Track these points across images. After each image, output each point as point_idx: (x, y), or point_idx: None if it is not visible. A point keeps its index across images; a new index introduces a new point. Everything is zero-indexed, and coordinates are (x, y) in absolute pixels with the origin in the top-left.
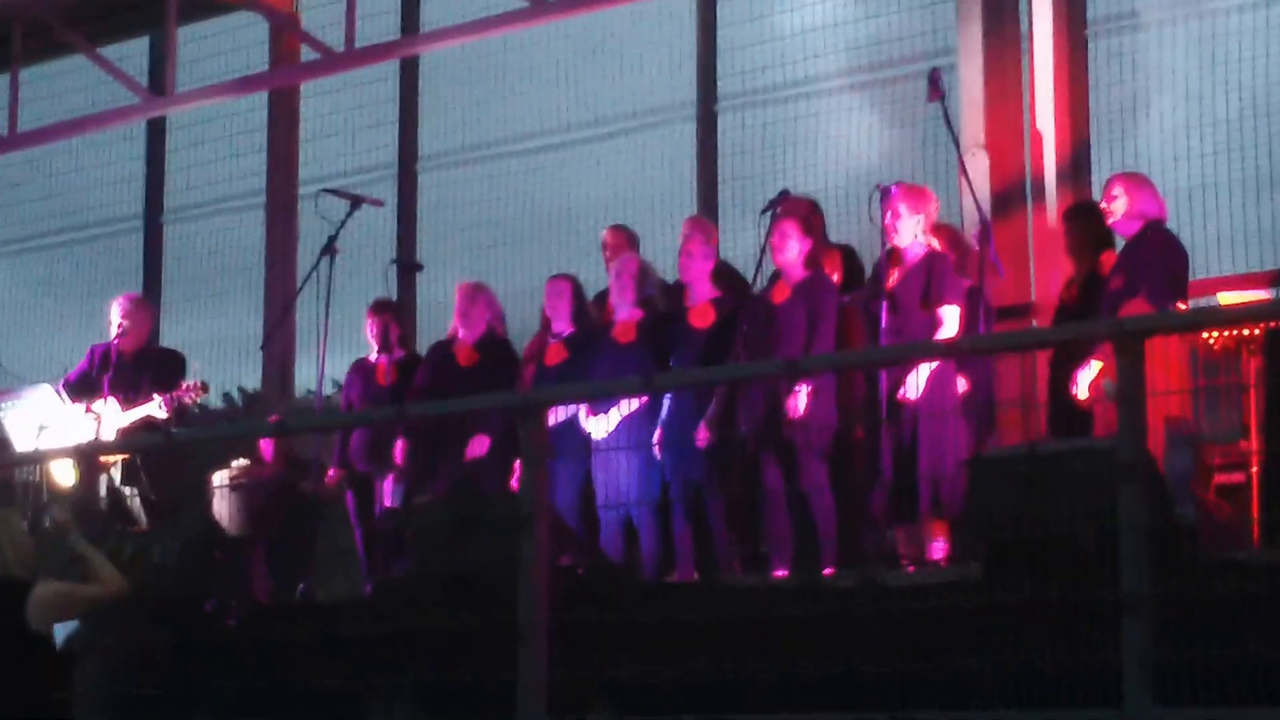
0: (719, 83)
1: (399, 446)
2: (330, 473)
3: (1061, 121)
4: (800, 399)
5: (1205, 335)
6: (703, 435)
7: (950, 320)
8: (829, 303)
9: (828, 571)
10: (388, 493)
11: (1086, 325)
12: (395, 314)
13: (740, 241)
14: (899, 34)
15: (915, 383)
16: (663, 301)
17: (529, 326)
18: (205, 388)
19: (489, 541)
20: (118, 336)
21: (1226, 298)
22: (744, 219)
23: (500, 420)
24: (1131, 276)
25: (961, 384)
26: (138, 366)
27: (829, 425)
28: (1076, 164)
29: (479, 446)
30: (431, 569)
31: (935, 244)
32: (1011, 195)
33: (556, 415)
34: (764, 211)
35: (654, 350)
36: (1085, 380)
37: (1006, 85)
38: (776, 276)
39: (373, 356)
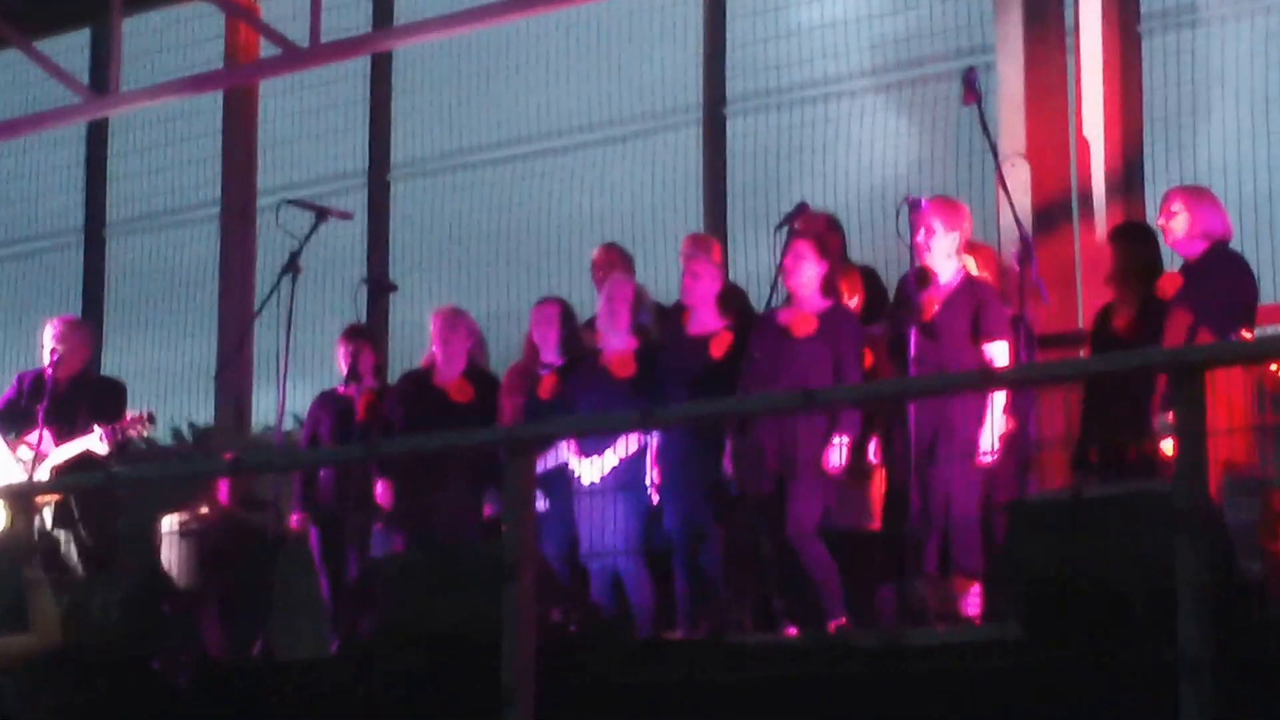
0: (728, 83)
1: (380, 489)
2: (295, 517)
3: (1112, 128)
4: (837, 453)
5: (1274, 367)
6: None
7: (1000, 359)
8: (853, 337)
9: (839, 623)
10: (373, 540)
11: (1137, 355)
12: (370, 341)
13: (751, 260)
14: (930, 29)
15: (990, 436)
16: (657, 330)
17: (508, 354)
18: (152, 419)
19: (469, 594)
20: (51, 363)
21: None
22: (755, 235)
23: (482, 459)
24: (1200, 306)
25: (1004, 422)
26: (73, 396)
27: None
28: (1128, 175)
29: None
30: (404, 624)
31: (973, 266)
32: (1055, 210)
33: (546, 458)
34: (779, 227)
35: (650, 382)
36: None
37: (1050, 87)
38: (788, 300)
39: (343, 388)
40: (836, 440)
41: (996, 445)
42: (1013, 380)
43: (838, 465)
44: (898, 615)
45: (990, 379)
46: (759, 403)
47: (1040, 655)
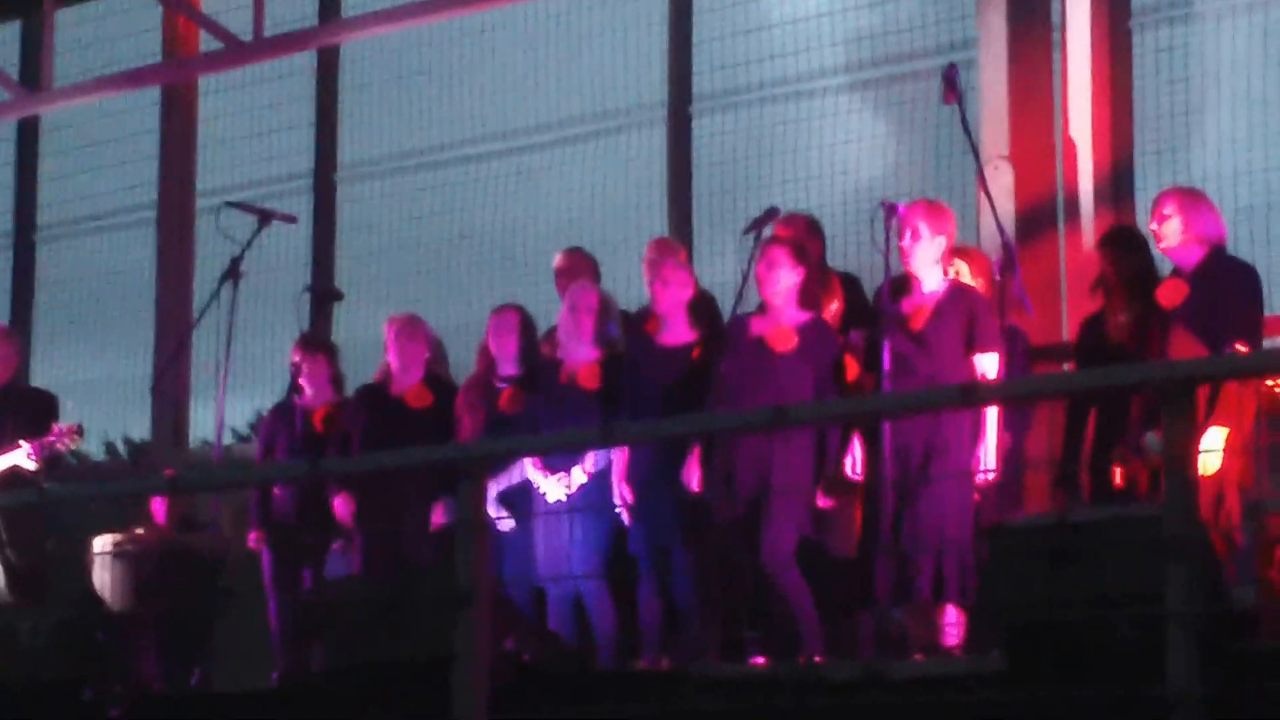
0: (694, 80)
1: (340, 505)
2: (252, 536)
3: (1100, 129)
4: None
5: (1270, 384)
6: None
7: (991, 372)
8: (835, 354)
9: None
10: (329, 562)
11: (1123, 370)
12: (329, 352)
13: (718, 267)
14: (909, 24)
15: (986, 455)
16: (624, 341)
17: (465, 368)
18: (81, 432)
19: (419, 624)
20: None
21: None
22: (722, 240)
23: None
24: (1209, 320)
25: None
26: (0, 409)
27: (805, 487)
28: (1117, 179)
29: (442, 514)
30: (350, 655)
31: (965, 273)
32: (1040, 216)
33: (511, 473)
34: (746, 232)
35: (616, 396)
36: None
37: (1035, 85)
38: (762, 309)
39: (301, 399)
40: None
41: (993, 463)
42: (992, 396)
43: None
44: (875, 646)
45: (970, 395)
46: (730, 420)
47: (1023, 689)
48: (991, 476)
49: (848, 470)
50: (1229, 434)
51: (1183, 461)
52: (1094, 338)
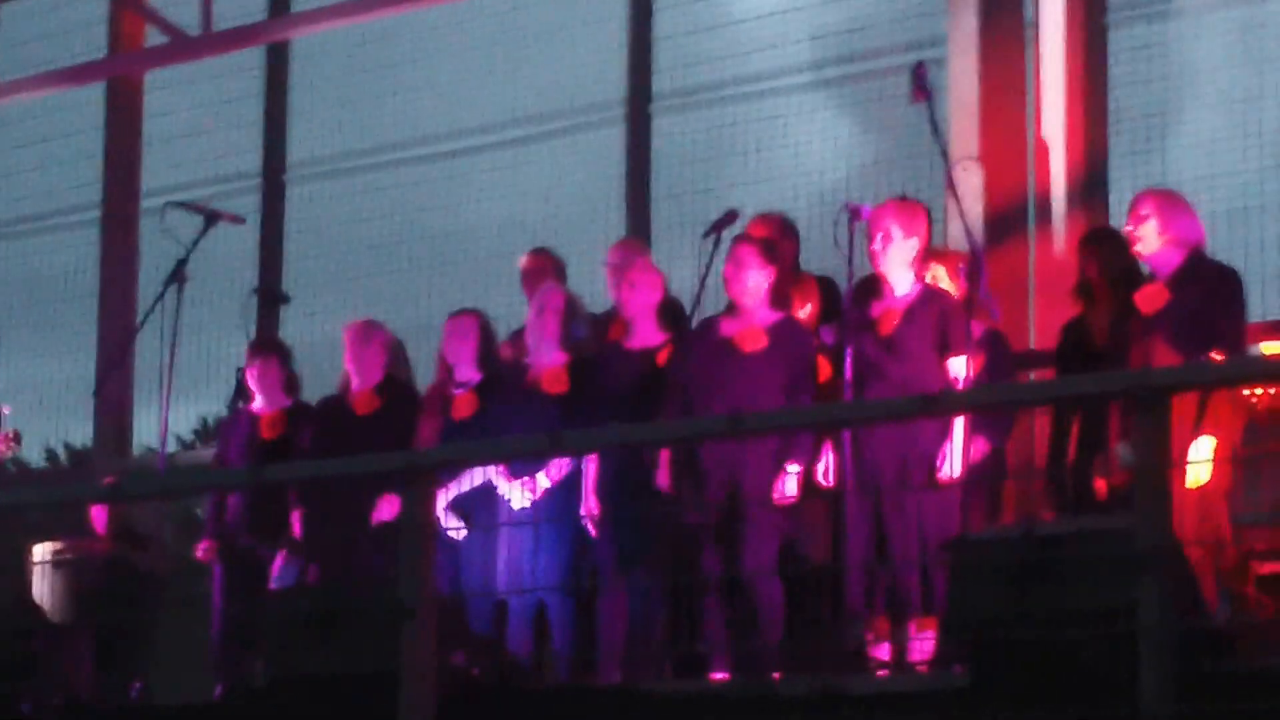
0: (654, 77)
1: (295, 516)
2: (203, 545)
3: (1074, 129)
4: (790, 483)
5: (1246, 393)
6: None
7: (960, 374)
8: (807, 354)
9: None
10: (275, 573)
11: (1095, 379)
12: (282, 356)
13: (678, 270)
14: (875, 20)
15: (951, 457)
16: (594, 344)
17: (422, 373)
18: (18, 439)
19: (363, 637)
20: None
21: (1271, 347)
22: (681, 243)
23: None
24: (1191, 322)
25: (980, 445)
26: None
27: (786, 496)
28: (1091, 181)
29: (389, 509)
30: (292, 667)
31: (942, 276)
32: (1010, 218)
33: (472, 476)
34: (705, 235)
35: (584, 402)
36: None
37: (1006, 84)
38: (731, 309)
39: (249, 405)
40: (790, 469)
41: (958, 468)
42: (956, 406)
43: (791, 496)
44: (835, 660)
45: (932, 405)
46: (684, 427)
47: (988, 707)
48: (949, 477)
49: (819, 477)
50: (1218, 444)
51: (1156, 472)
52: (1075, 342)
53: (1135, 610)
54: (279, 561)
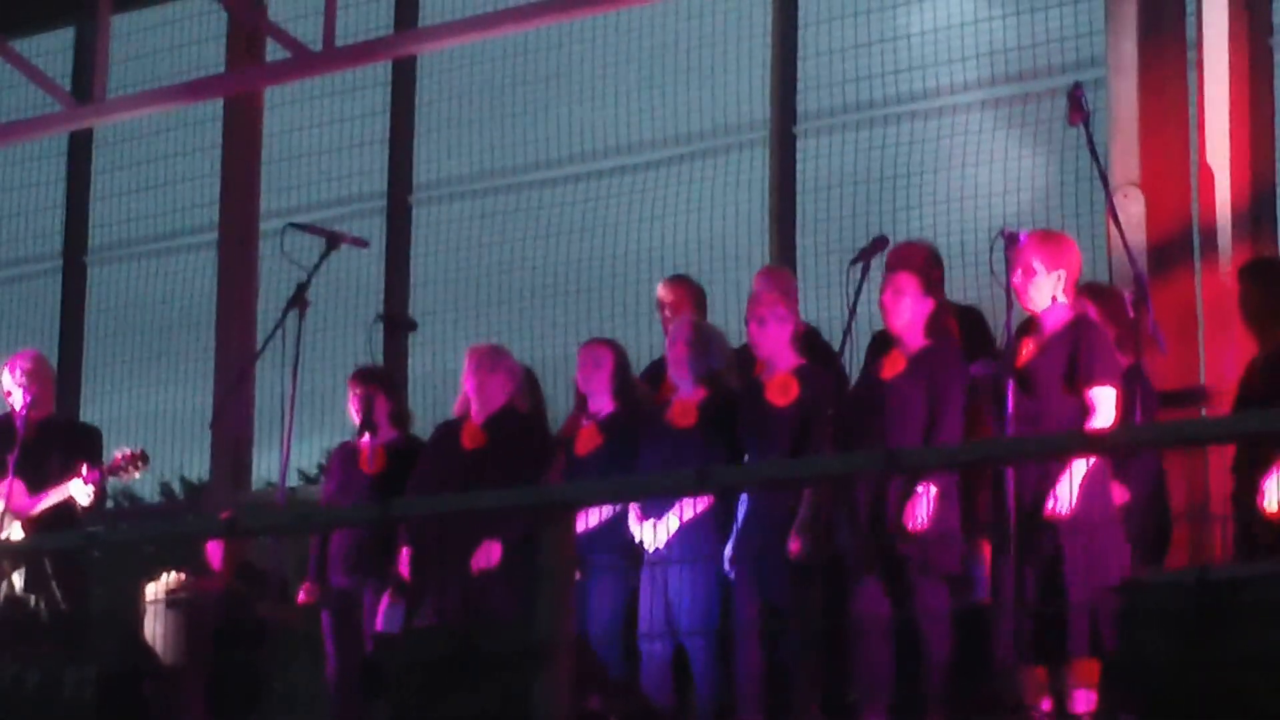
0: (799, 98)
1: (403, 555)
2: (304, 588)
3: (1239, 154)
4: (921, 507)
5: None
6: (794, 545)
7: (1104, 407)
8: (956, 381)
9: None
10: (381, 615)
11: (1267, 415)
12: (384, 385)
13: (822, 298)
14: (1030, 40)
15: (1068, 492)
16: (735, 376)
17: (557, 404)
18: (146, 459)
19: (493, 681)
20: (25, 406)
21: None
22: (828, 269)
23: (518, 524)
24: None
25: (1119, 493)
26: (44, 443)
27: (952, 537)
28: (1258, 208)
29: (487, 556)
30: (417, 715)
31: (1089, 310)
32: (1174, 248)
33: (599, 516)
34: (853, 263)
35: (723, 438)
36: (1274, 490)
37: (1168, 107)
38: (887, 346)
39: (361, 439)
40: (921, 490)
41: (1075, 501)
42: (1131, 441)
43: (921, 522)
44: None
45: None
46: (829, 465)
47: None
48: (1066, 513)
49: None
50: None
51: None
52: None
53: None
54: (384, 604)
